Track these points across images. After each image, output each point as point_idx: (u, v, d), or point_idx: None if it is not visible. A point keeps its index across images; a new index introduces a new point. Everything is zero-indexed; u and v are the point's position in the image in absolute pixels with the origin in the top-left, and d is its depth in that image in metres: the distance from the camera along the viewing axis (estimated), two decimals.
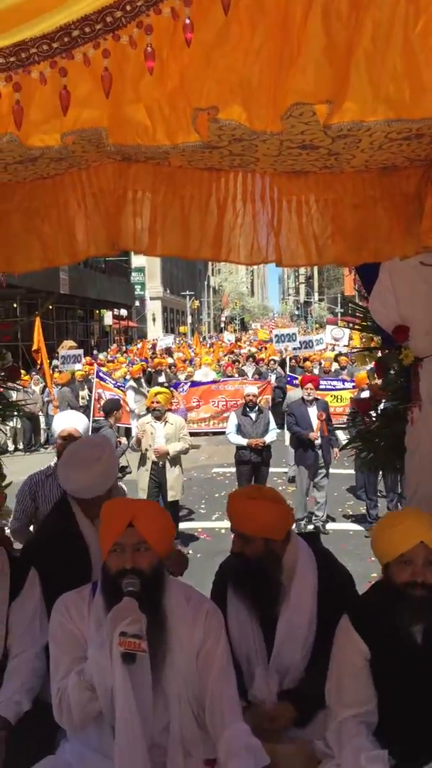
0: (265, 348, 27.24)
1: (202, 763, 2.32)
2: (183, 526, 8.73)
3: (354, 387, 12.39)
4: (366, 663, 2.43)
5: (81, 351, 17.48)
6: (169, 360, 23.00)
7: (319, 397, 9.45)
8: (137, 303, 54.25)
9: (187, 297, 61.54)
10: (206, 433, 16.39)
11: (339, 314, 47.93)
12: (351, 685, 2.43)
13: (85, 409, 13.18)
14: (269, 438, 9.00)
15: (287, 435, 10.69)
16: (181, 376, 20.12)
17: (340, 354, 18.94)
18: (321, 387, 11.09)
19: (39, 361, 15.69)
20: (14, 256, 2.64)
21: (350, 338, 18.27)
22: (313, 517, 8.98)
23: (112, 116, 1.50)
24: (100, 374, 14.08)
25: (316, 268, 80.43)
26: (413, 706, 2.35)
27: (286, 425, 10.37)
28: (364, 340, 4.19)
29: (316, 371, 17.11)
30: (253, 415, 9.06)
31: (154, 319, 59.15)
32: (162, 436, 7.91)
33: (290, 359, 17.78)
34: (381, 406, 4.02)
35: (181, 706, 2.33)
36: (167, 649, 2.33)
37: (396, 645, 2.38)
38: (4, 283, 3.70)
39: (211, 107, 1.46)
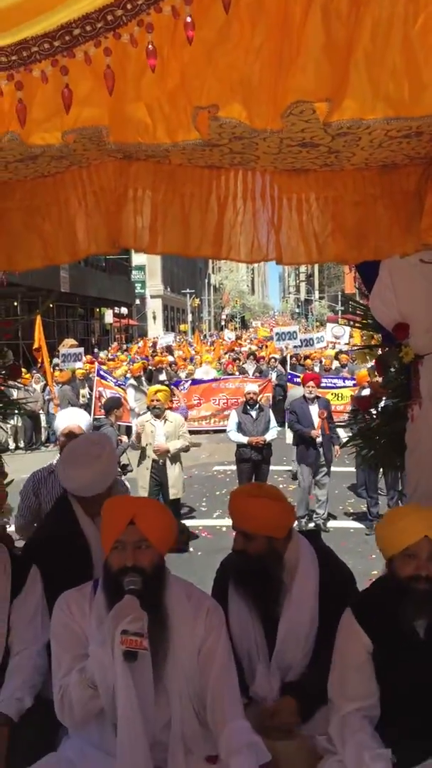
0: (266, 346, 27.24)
1: (203, 760, 2.32)
2: (184, 523, 8.74)
3: (354, 385, 12.40)
4: (369, 656, 2.45)
5: (81, 349, 17.48)
6: (170, 358, 23.00)
7: (320, 395, 9.46)
8: (138, 301, 54.21)
9: (188, 295, 61.51)
10: (207, 431, 16.41)
11: (339, 312, 47.93)
12: (354, 678, 2.45)
13: (86, 408, 13.17)
14: (270, 436, 9.01)
15: (288, 433, 10.70)
16: (182, 374, 20.13)
17: (341, 352, 18.93)
18: (322, 385, 11.09)
19: (40, 360, 15.70)
20: (15, 255, 2.64)
21: (351, 336, 18.26)
22: (314, 515, 8.99)
23: (113, 114, 1.50)
24: (101, 372, 14.09)
25: (316, 266, 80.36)
26: (415, 700, 2.36)
27: (287, 423, 10.37)
28: (364, 337, 4.20)
29: (316, 369, 17.11)
30: (253, 413, 9.06)
31: (154, 318, 59.14)
32: (162, 434, 7.92)
33: (291, 357, 17.79)
34: (381, 404, 4.02)
35: (183, 703, 2.34)
36: (168, 646, 2.34)
37: (399, 639, 2.39)
38: (5, 281, 3.70)
39: (211, 105, 1.47)
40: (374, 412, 3.99)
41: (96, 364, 16.65)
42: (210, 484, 11.41)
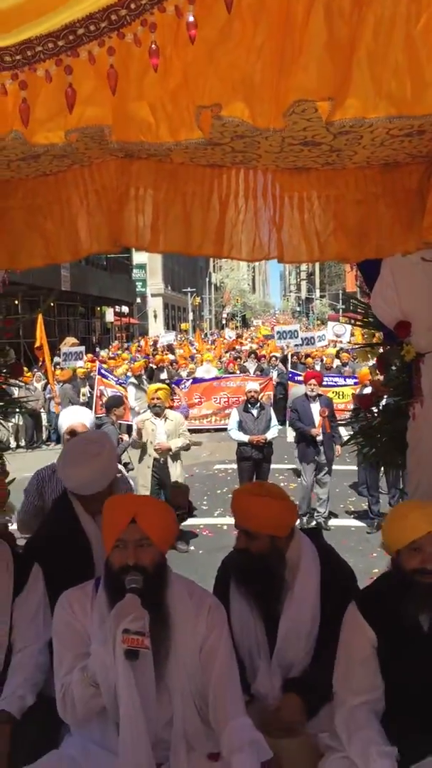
0: (266, 344, 27.24)
1: (205, 758, 2.33)
2: (185, 522, 8.74)
3: (356, 383, 12.40)
4: (373, 650, 2.46)
5: (83, 348, 17.47)
6: (171, 357, 23.00)
7: (322, 393, 9.46)
8: (138, 300, 54.22)
9: (189, 294, 61.50)
10: (208, 430, 16.42)
11: (340, 311, 47.91)
12: (359, 672, 2.46)
13: (87, 406, 13.18)
14: (270, 435, 9.02)
15: (289, 431, 10.71)
16: (183, 373, 20.13)
17: (341, 350, 18.94)
18: (323, 383, 11.10)
19: (41, 358, 15.70)
20: (17, 253, 2.64)
21: (352, 334, 18.26)
22: (315, 513, 9.00)
23: (116, 113, 1.50)
24: (102, 371, 14.09)
25: (317, 265, 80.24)
26: (419, 694, 2.37)
27: (288, 421, 10.38)
28: (365, 336, 4.20)
29: (317, 368, 17.11)
30: (254, 412, 9.07)
31: (155, 316, 59.13)
32: (163, 432, 7.92)
33: (292, 356, 17.78)
34: (383, 402, 4.02)
35: (184, 701, 2.34)
36: (170, 644, 2.34)
37: (403, 633, 2.41)
38: (7, 280, 3.69)
39: (213, 104, 1.47)
40: (375, 410, 3.99)
41: (97, 362, 16.65)
42: (211, 482, 11.42)
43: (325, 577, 2.80)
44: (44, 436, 16.61)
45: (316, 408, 9.01)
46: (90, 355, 20.86)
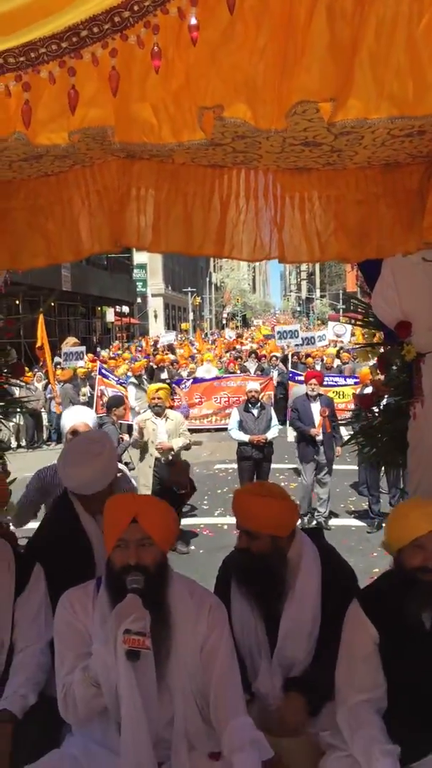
0: (267, 344, 27.24)
1: (206, 757, 2.33)
2: (185, 522, 8.75)
3: (356, 383, 12.41)
4: (375, 647, 2.47)
5: (83, 348, 17.49)
6: (171, 357, 23.00)
7: (322, 393, 9.47)
8: (139, 300, 54.22)
9: (189, 294, 61.51)
10: (208, 430, 16.42)
11: (341, 310, 47.91)
12: (361, 669, 2.46)
13: (87, 406, 13.16)
14: (271, 434, 9.02)
15: (290, 431, 10.71)
16: (184, 373, 20.13)
17: (341, 349, 18.95)
18: (323, 383, 11.10)
19: (42, 358, 15.70)
20: (19, 253, 2.65)
21: (352, 334, 18.26)
22: (316, 513, 9.00)
23: (119, 115, 1.51)
24: (103, 371, 14.09)
25: (317, 265, 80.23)
26: (421, 692, 2.38)
27: (289, 421, 10.39)
28: (366, 336, 4.21)
29: (317, 367, 17.11)
30: (255, 412, 9.07)
31: (155, 316, 59.13)
32: (164, 431, 7.92)
33: (292, 356, 17.78)
34: (383, 402, 4.03)
35: (186, 701, 2.34)
36: (171, 644, 2.34)
37: (404, 631, 2.41)
38: (9, 281, 3.70)
39: (216, 106, 1.47)
40: (376, 410, 3.99)
41: (98, 362, 16.66)
42: (211, 482, 11.43)
43: (326, 577, 2.80)
44: (45, 435, 16.61)
45: (316, 408, 9.02)
46: (91, 355, 20.87)
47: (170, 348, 27.59)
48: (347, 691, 2.47)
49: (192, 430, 10.43)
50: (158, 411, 7.96)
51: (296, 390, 11.62)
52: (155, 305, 59.03)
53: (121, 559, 2.32)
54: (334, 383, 14.61)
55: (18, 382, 4.58)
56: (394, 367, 3.74)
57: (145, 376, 16.40)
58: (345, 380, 14.80)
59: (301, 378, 11.66)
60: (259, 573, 2.72)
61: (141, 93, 1.50)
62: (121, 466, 4.38)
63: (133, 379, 15.07)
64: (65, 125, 1.52)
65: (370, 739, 2.30)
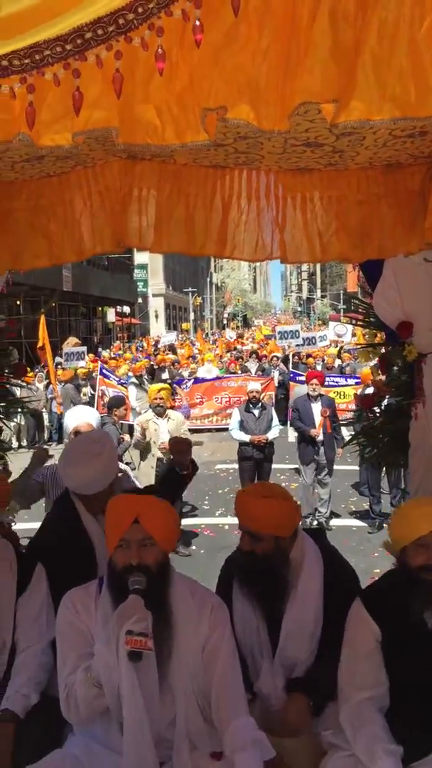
0: (267, 344, 27.24)
1: (208, 757, 2.33)
2: (186, 522, 8.76)
3: (357, 383, 12.40)
4: (378, 645, 2.47)
5: (84, 348, 17.50)
6: (173, 357, 23.00)
7: (324, 393, 9.47)
8: (140, 300, 54.24)
9: (190, 294, 61.54)
10: (209, 430, 16.42)
11: (341, 311, 47.92)
12: (364, 666, 2.47)
13: (88, 406, 13.16)
14: (272, 434, 9.02)
15: (290, 431, 10.71)
16: (185, 373, 20.13)
17: (342, 349, 18.95)
18: (324, 383, 11.11)
19: (44, 359, 15.70)
20: (21, 254, 2.65)
21: (353, 335, 18.26)
22: (317, 513, 9.00)
23: (123, 116, 1.51)
24: (104, 371, 14.09)
25: (318, 265, 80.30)
26: (422, 691, 2.38)
27: (290, 421, 10.39)
28: (367, 336, 4.21)
29: (318, 368, 17.11)
30: (256, 412, 9.07)
31: (156, 316, 59.15)
32: (166, 431, 7.92)
33: (293, 356, 17.78)
34: (385, 402, 4.03)
35: (187, 701, 2.34)
36: (173, 644, 2.34)
37: (407, 630, 2.42)
38: (11, 281, 3.71)
39: (219, 107, 1.48)
40: (377, 410, 4.00)
41: (99, 362, 16.66)
42: (212, 482, 11.43)
43: (328, 578, 2.80)
44: (46, 436, 16.61)
45: (317, 408, 9.02)
46: (92, 355, 20.87)
47: (171, 348, 27.60)
48: (350, 689, 2.47)
49: (193, 431, 10.44)
50: (160, 411, 7.96)
51: (297, 390, 11.62)
52: (156, 305, 59.05)
53: (122, 559, 2.33)
54: (335, 383, 14.60)
55: (20, 382, 4.59)
56: (396, 368, 3.74)
57: (146, 376, 16.41)
58: (346, 380, 14.79)
59: (302, 378, 11.66)
60: (262, 573, 2.72)
61: (144, 94, 1.51)
62: (122, 465, 4.38)
63: (134, 380, 15.07)
64: (69, 127, 1.52)
65: (373, 737, 2.31)
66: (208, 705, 2.37)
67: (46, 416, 16.49)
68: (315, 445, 8.96)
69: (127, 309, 49.44)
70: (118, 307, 46.67)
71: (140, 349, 32.18)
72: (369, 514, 9.00)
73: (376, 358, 3.95)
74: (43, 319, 14.97)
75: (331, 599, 2.75)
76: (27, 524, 5.28)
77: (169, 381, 14.75)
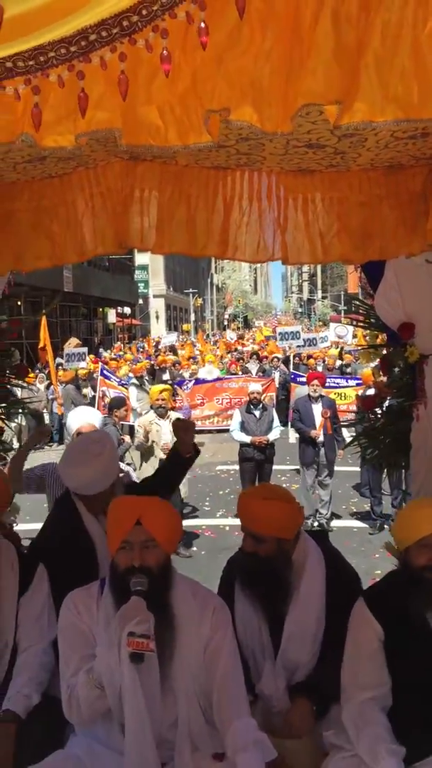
0: (267, 344, 27.24)
1: (210, 757, 2.33)
2: (187, 523, 8.75)
3: (358, 384, 12.40)
4: (380, 645, 2.47)
5: (86, 349, 17.50)
6: (173, 358, 23.00)
7: (324, 394, 9.47)
8: (140, 301, 54.26)
9: (191, 295, 61.56)
10: (210, 431, 16.41)
11: (342, 312, 47.93)
12: (366, 666, 2.47)
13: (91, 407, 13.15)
14: (273, 436, 9.01)
15: (291, 432, 10.70)
16: (186, 374, 20.14)
17: (342, 350, 18.96)
18: (325, 384, 11.11)
19: (45, 359, 15.70)
20: (23, 255, 2.66)
21: (354, 336, 18.27)
22: (317, 515, 9.00)
23: (126, 117, 1.52)
24: (105, 372, 14.09)
25: (319, 266, 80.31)
26: (424, 691, 2.38)
27: (291, 422, 10.39)
28: (368, 337, 4.21)
29: (319, 369, 17.11)
30: (257, 413, 9.07)
31: (157, 317, 59.17)
32: (168, 432, 7.92)
33: (294, 357, 17.77)
34: (386, 404, 4.03)
35: (189, 702, 2.34)
36: (175, 645, 2.34)
37: (409, 630, 2.42)
38: (13, 282, 3.71)
39: (222, 109, 1.48)
40: (379, 411, 4.00)
41: (100, 363, 16.66)
42: (213, 483, 11.43)
43: (330, 580, 2.80)
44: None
45: (317, 409, 9.02)
46: (92, 356, 20.87)
47: (172, 349, 27.61)
48: (352, 689, 2.47)
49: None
50: (162, 412, 7.96)
51: (299, 391, 11.62)
52: (157, 306, 59.07)
53: (125, 560, 2.33)
54: (336, 385, 14.60)
55: (22, 382, 4.59)
56: (397, 369, 3.74)
57: (146, 377, 16.41)
58: (347, 382, 14.79)
59: (303, 379, 11.66)
60: (265, 575, 2.71)
61: (147, 96, 1.51)
62: (123, 466, 4.39)
63: (134, 380, 15.07)
64: (72, 128, 1.53)
65: (375, 737, 2.31)
66: (209, 706, 2.37)
67: (47, 417, 16.48)
68: (315, 446, 8.96)
69: (127, 310, 49.45)
70: (119, 308, 46.69)
71: (141, 350, 32.18)
72: (370, 515, 8.99)
73: (378, 360, 3.95)
74: (44, 319, 14.98)
75: (334, 601, 2.74)
76: (29, 525, 5.29)
77: (170, 382, 14.75)
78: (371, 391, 5.09)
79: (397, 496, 8.61)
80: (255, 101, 1.50)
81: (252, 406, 9.14)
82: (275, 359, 19.38)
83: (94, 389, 13.92)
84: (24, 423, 15.51)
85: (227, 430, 10.65)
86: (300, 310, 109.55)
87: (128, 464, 9.58)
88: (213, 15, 1.39)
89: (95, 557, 3.06)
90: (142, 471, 8.13)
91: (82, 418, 4.46)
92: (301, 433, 9.19)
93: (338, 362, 17.64)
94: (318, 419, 8.95)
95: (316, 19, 1.41)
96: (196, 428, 3.82)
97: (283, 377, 16.82)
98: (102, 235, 2.62)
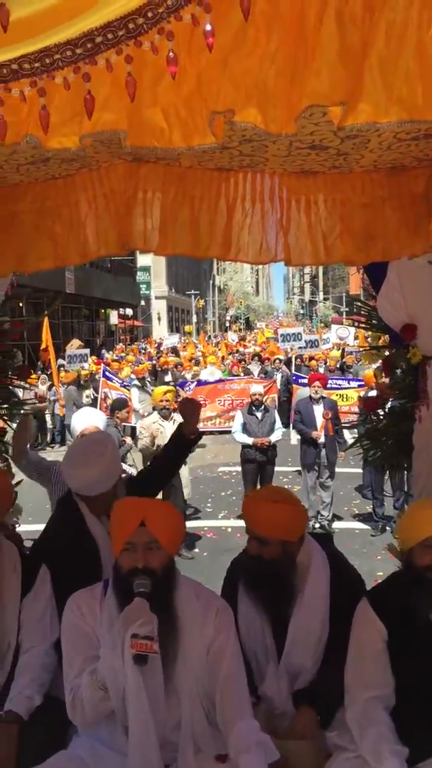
0: (268, 345, 27.23)
1: (213, 759, 2.33)
2: (189, 524, 8.74)
3: (360, 386, 12.40)
4: (384, 644, 2.48)
5: (87, 351, 17.52)
6: (175, 359, 23.00)
7: (326, 396, 9.46)
8: (142, 302, 54.28)
9: (192, 296, 61.57)
10: (212, 432, 16.40)
11: (344, 313, 47.95)
12: (370, 666, 2.47)
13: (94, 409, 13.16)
14: (275, 437, 9.01)
15: (293, 434, 10.70)
16: (188, 375, 20.13)
17: (344, 351, 18.97)
18: (327, 386, 11.10)
19: (47, 360, 15.72)
20: (26, 256, 2.66)
21: (356, 337, 18.27)
22: (319, 516, 9.00)
23: (131, 119, 1.52)
24: (107, 373, 14.10)
25: (321, 268, 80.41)
26: (427, 692, 2.38)
27: (292, 424, 10.39)
28: (369, 339, 4.21)
29: (321, 370, 17.11)
30: (259, 414, 9.07)
31: (159, 319, 59.20)
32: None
33: (295, 358, 17.77)
34: (388, 405, 4.03)
35: (192, 703, 2.34)
36: (178, 647, 2.34)
37: (413, 630, 2.42)
38: (15, 283, 3.72)
39: (227, 110, 1.49)
40: (381, 413, 4.00)
41: (102, 365, 16.67)
42: (215, 484, 11.42)
43: (334, 583, 2.79)
44: (48, 438, 16.62)
45: (319, 410, 9.02)
46: (94, 358, 20.88)
47: (174, 350, 27.62)
48: (356, 689, 2.47)
49: None
50: (165, 414, 7.95)
51: (300, 393, 11.63)
52: (159, 308, 59.10)
53: (128, 562, 2.33)
54: (338, 386, 14.60)
55: (24, 384, 4.60)
56: (399, 371, 3.74)
57: (148, 379, 16.40)
58: (349, 383, 14.79)
59: (305, 381, 11.66)
60: (269, 578, 2.70)
61: (152, 98, 1.51)
62: (126, 466, 4.39)
63: (136, 382, 15.07)
64: (77, 129, 1.53)
65: (379, 737, 2.31)
66: (212, 707, 2.37)
67: (48, 418, 16.49)
68: (317, 448, 8.95)
69: (129, 311, 49.49)
70: (121, 309, 46.74)
71: (143, 351, 32.20)
72: (372, 517, 8.99)
73: (380, 361, 3.95)
74: (46, 321, 14.99)
75: (338, 604, 2.74)
76: (31, 526, 5.29)
77: (172, 383, 14.74)
78: (373, 393, 5.09)
79: (399, 497, 8.60)
80: (260, 103, 1.50)
81: (254, 408, 9.14)
82: (277, 360, 19.39)
83: (96, 391, 13.93)
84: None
85: (229, 432, 10.65)
86: (302, 311, 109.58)
87: (130, 465, 9.59)
88: (218, 17, 1.40)
89: (98, 558, 3.06)
90: None
91: (87, 420, 4.47)
92: (302, 435, 9.19)
93: (339, 362, 17.64)
94: (319, 420, 8.95)
95: (320, 20, 1.42)
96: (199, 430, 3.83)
97: (285, 378, 16.82)
98: (105, 237, 2.62)
